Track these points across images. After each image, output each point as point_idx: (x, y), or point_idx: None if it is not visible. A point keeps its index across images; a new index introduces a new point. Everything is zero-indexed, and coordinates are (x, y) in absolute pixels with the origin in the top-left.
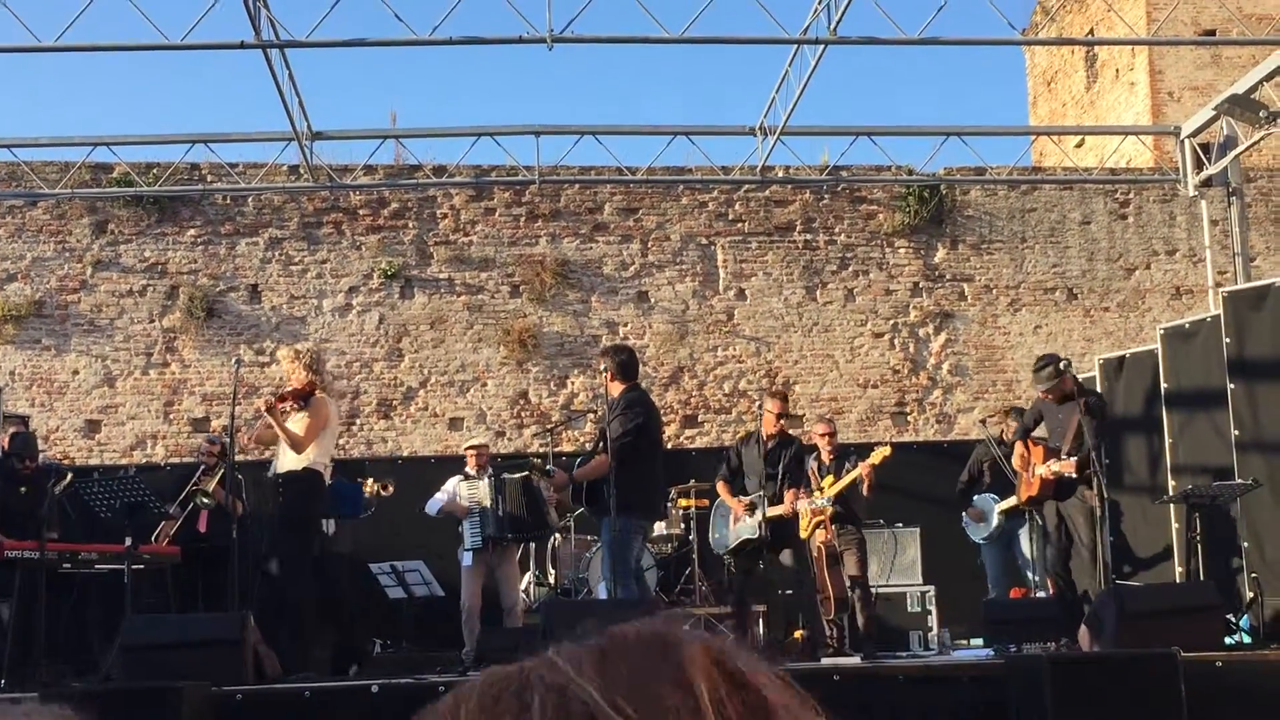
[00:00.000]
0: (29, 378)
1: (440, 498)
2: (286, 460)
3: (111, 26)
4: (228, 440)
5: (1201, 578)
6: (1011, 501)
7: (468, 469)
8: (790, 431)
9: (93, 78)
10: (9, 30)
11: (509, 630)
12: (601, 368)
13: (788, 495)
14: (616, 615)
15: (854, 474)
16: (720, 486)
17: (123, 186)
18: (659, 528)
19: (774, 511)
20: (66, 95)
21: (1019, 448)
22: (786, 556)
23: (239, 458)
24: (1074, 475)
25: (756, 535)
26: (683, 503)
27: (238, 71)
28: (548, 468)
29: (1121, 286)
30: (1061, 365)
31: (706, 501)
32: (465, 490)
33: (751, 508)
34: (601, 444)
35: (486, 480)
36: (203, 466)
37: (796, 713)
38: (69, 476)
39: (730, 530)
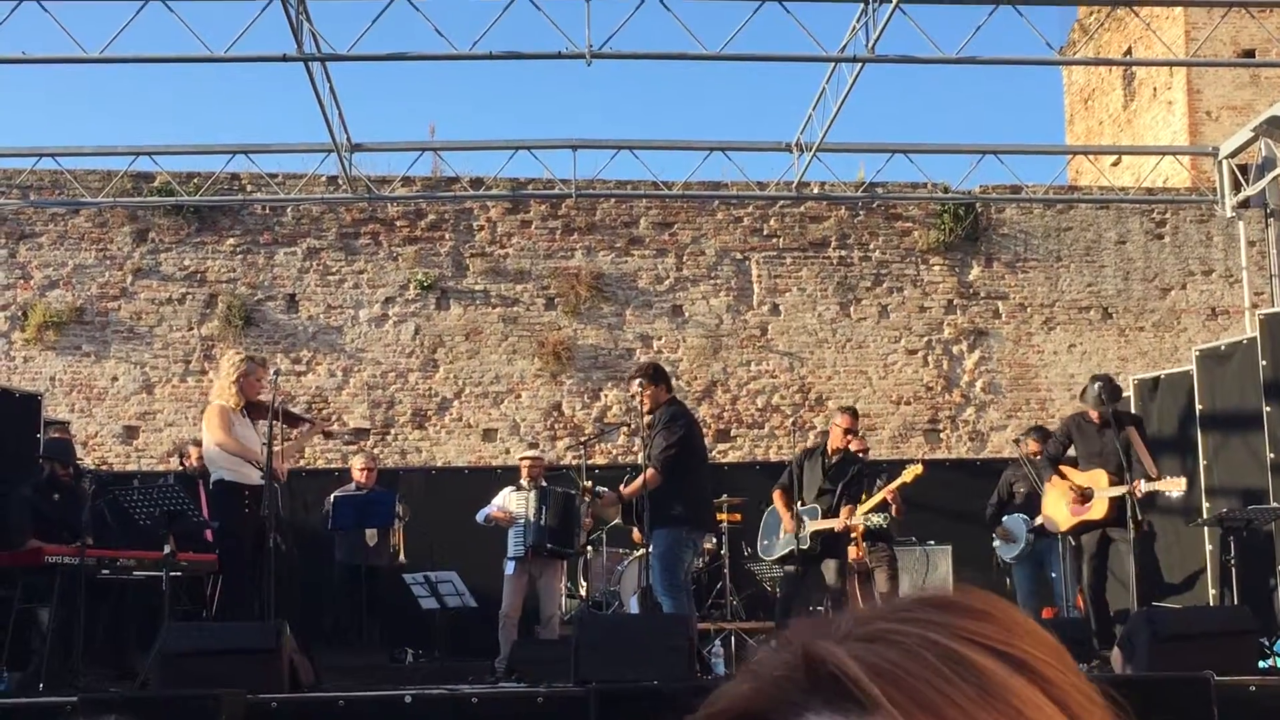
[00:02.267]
0: (69, 383)
1: (490, 507)
2: (256, 474)
3: (155, 38)
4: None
5: (1235, 601)
6: (1060, 524)
7: (521, 480)
8: (854, 449)
9: (136, 88)
10: (55, 41)
11: (542, 642)
12: (637, 386)
13: (843, 511)
14: (648, 629)
15: (879, 496)
16: (777, 495)
17: (164, 195)
18: None
19: (823, 525)
20: (110, 105)
21: (1055, 482)
22: (829, 567)
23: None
24: (1177, 493)
25: (806, 546)
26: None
27: (279, 83)
28: (597, 489)
29: (1157, 306)
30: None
31: (739, 516)
32: (514, 500)
33: (799, 522)
34: (646, 459)
35: (535, 491)
36: None
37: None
38: (90, 487)
39: (779, 540)
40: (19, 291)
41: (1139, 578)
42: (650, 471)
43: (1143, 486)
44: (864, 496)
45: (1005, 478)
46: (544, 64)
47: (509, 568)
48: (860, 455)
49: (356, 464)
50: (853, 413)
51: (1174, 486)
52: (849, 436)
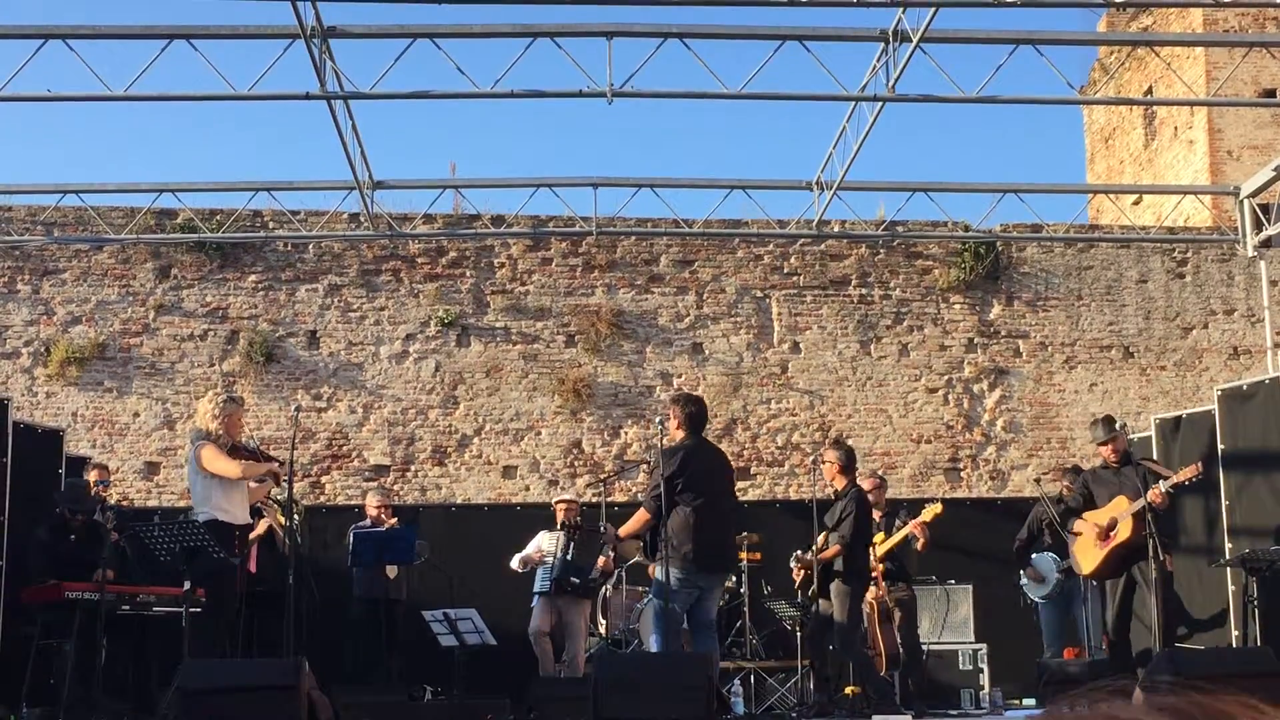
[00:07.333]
0: (91, 419)
1: (527, 550)
2: (243, 513)
3: (179, 77)
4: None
5: (1259, 642)
6: (1087, 565)
7: (559, 522)
8: (855, 482)
9: (159, 126)
10: (80, 79)
11: (563, 680)
12: (669, 415)
13: (827, 548)
14: (668, 668)
15: (904, 531)
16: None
17: (186, 232)
18: None
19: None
20: (133, 143)
21: (1079, 525)
22: (825, 604)
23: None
24: (1196, 478)
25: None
26: None
27: (302, 121)
28: (600, 526)
29: (1178, 346)
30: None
31: (759, 555)
32: (546, 541)
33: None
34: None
35: (564, 531)
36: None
37: None
38: (112, 522)
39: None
40: (42, 327)
41: (1162, 618)
42: (640, 511)
43: (1162, 487)
44: (878, 530)
45: (1034, 515)
46: (565, 102)
47: (536, 601)
48: (856, 490)
49: (372, 500)
50: (838, 446)
51: (1189, 474)
52: (840, 472)
